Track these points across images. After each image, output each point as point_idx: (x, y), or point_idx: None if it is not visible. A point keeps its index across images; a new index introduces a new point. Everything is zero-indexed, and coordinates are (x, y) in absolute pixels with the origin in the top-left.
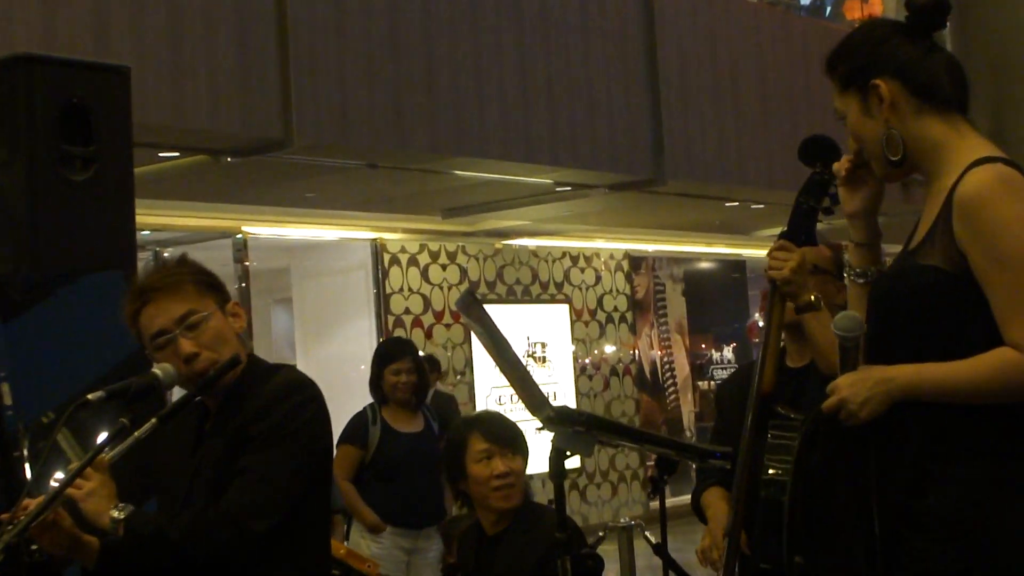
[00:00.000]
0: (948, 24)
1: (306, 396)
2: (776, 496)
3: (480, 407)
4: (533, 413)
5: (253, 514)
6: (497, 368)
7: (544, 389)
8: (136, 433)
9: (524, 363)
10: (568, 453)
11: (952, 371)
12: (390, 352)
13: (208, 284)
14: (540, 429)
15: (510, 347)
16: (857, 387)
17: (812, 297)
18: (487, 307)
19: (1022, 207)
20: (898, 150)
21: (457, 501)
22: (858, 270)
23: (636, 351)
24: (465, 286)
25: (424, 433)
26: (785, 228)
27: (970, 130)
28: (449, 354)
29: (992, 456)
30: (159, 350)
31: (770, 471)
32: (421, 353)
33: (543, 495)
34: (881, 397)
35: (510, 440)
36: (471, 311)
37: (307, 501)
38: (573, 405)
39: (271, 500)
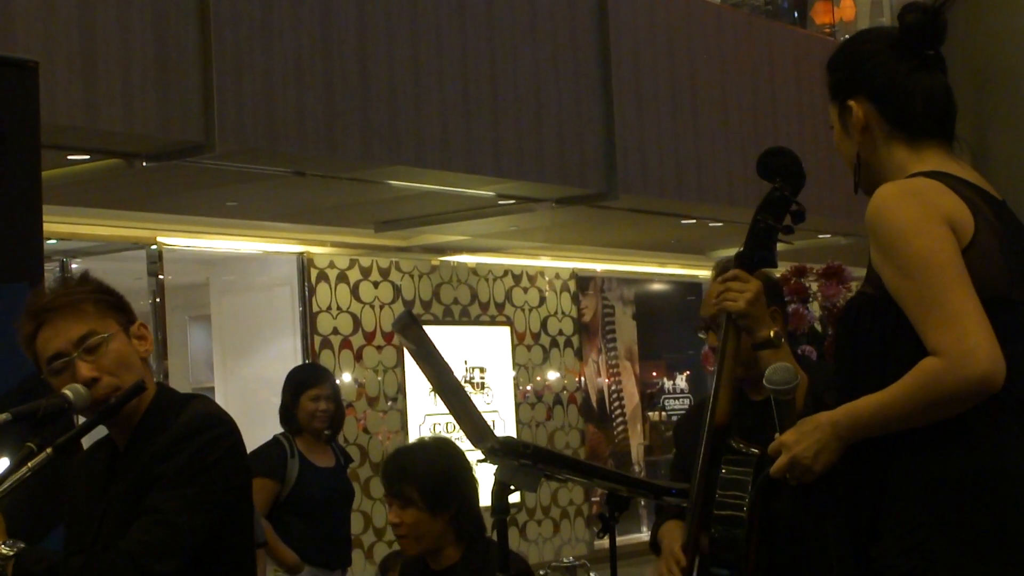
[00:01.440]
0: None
1: (218, 432)
2: (729, 531)
3: (413, 436)
4: (475, 444)
5: (154, 556)
6: (436, 394)
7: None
8: (30, 464)
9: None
10: (512, 488)
11: (886, 397)
12: (307, 378)
13: (110, 304)
14: (481, 461)
15: (451, 372)
16: (805, 441)
17: (771, 332)
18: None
19: (916, 212)
20: (858, 176)
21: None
22: None
23: (582, 378)
24: (399, 305)
25: (336, 468)
26: (741, 248)
27: (937, 155)
28: (380, 378)
29: (932, 492)
30: (56, 375)
31: (723, 506)
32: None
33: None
34: (832, 444)
35: (394, 490)
36: (409, 332)
37: (227, 541)
38: (514, 435)
39: (174, 541)
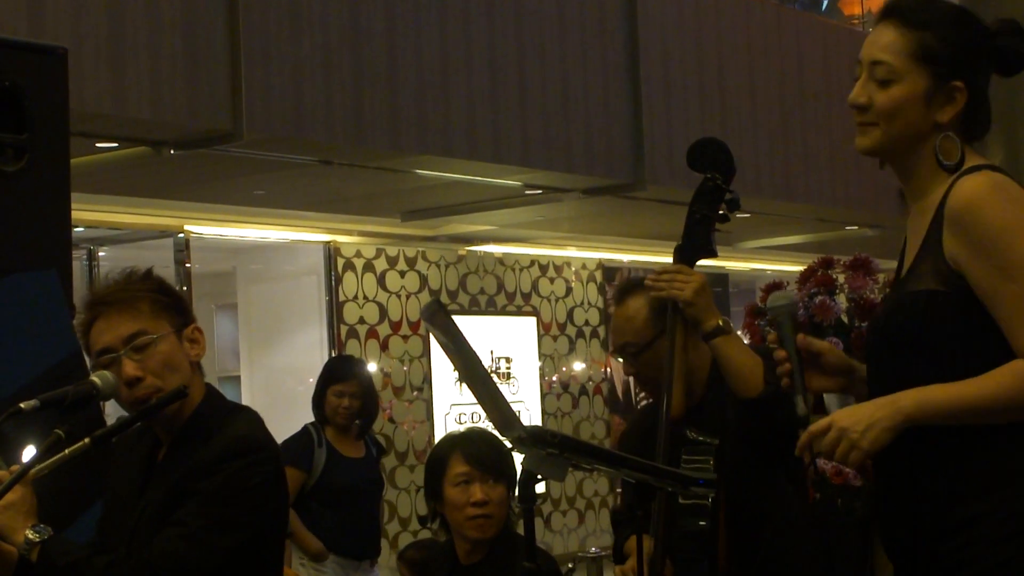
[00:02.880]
0: None
1: (259, 458)
2: (696, 522)
3: (438, 426)
4: (502, 433)
5: (173, 569)
6: (464, 383)
7: None
8: (66, 452)
9: None
10: (539, 477)
11: (963, 388)
12: (335, 371)
13: (166, 304)
14: (510, 450)
15: (479, 361)
16: (857, 414)
17: (720, 321)
18: None
19: (1019, 211)
20: (954, 156)
21: (434, 523)
22: None
23: (608, 369)
24: (425, 295)
25: (366, 459)
26: (680, 240)
27: (973, 152)
28: (406, 368)
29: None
30: (103, 369)
31: (688, 498)
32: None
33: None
34: (885, 423)
35: (492, 465)
36: (437, 320)
37: (256, 567)
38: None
39: (196, 558)
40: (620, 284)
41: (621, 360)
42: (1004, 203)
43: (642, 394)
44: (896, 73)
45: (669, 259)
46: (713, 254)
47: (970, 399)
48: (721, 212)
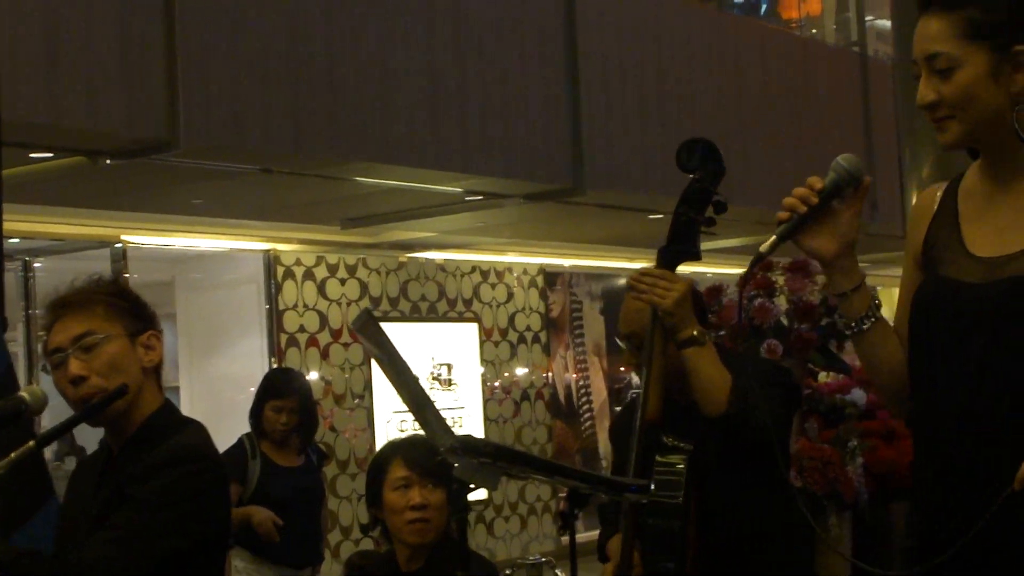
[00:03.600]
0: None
1: (198, 467)
2: (667, 523)
3: (380, 434)
4: (435, 442)
5: (100, 572)
6: (396, 393)
7: (450, 414)
8: (12, 456)
9: (429, 386)
10: (472, 486)
11: None
12: (273, 386)
13: (123, 308)
14: (440, 459)
15: (410, 371)
16: None
17: (695, 331)
18: (389, 325)
19: None
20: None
21: (375, 531)
22: (859, 319)
23: (550, 374)
24: (366, 302)
25: (305, 467)
26: (666, 243)
27: None
28: (347, 376)
29: None
30: (55, 369)
31: (659, 498)
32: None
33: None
34: None
35: (432, 470)
36: (368, 331)
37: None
38: (481, 431)
39: (124, 562)
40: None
41: (626, 348)
42: None
43: (584, 400)
44: (954, 59)
45: (610, 263)
46: (697, 257)
47: None
48: (708, 216)
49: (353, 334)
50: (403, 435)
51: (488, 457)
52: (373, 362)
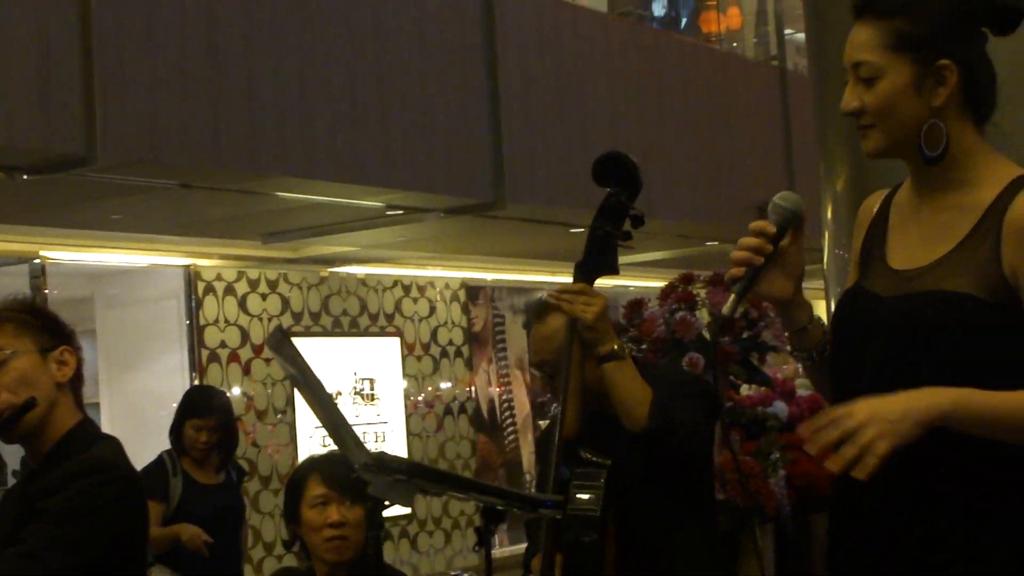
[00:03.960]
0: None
1: (107, 478)
2: (585, 536)
3: (302, 449)
4: (349, 460)
5: None
6: (311, 410)
7: (373, 429)
8: None
9: (351, 401)
10: (387, 503)
11: (1005, 399)
12: (194, 404)
13: (35, 325)
14: (355, 476)
15: (324, 388)
16: (890, 404)
17: (615, 345)
18: (311, 340)
19: None
20: (939, 144)
21: (295, 547)
22: (813, 352)
23: (473, 388)
24: (287, 317)
25: (226, 485)
26: (583, 257)
27: (996, 153)
28: (269, 391)
29: None
30: None
31: (577, 512)
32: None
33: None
34: (920, 416)
35: (350, 487)
36: (281, 349)
37: None
38: (404, 446)
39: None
40: (537, 301)
41: (539, 376)
42: None
43: (507, 414)
44: (878, 68)
45: (532, 277)
46: (615, 271)
47: (1012, 411)
48: (625, 230)
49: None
50: (323, 451)
51: (402, 474)
52: None
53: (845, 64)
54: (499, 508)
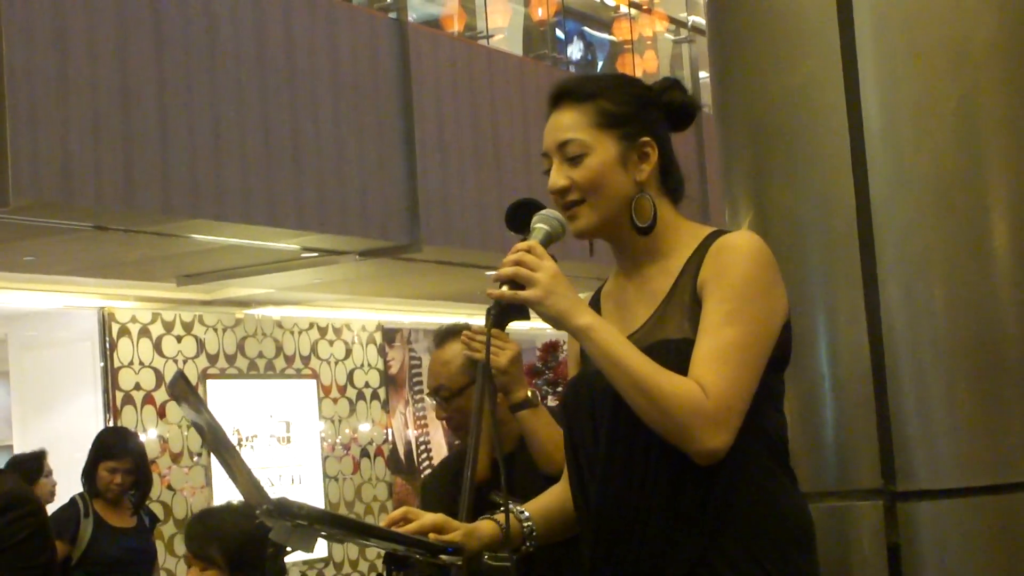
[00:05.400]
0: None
1: (22, 512)
2: None
3: (218, 492)
4: (251, 505)
5: None
6: (212, 455)
7: (289, 472)
8: None
9: (267, 444)
10: (288, 549)
11: (632, 352)
12: (107, 446)
13: None
14: (257, 522)
15: (225, 433)
16: (561, 283)
17: (528, 393)
18: (227, 382)
19: (772, 278)
20: (648, 215)
21: None
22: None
23: (390, 430)
24: (203, 359)
25: (138, 529)
26: (492, 304)
27: (686, 219)
28: (185, 433)
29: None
30: None
31: (485, 560)
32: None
33: None
34: (569, 306)
35: (197, 550)
36: (181, 394)
37: None
38: (320, 489)
39: None
40: (440, 329)
41: (435, 403)
42: (765, 265)
43: (424, 456)
44: (586, 145)
45: (448, 319)
46: (526, 316)
47: (631, 362)
48: None
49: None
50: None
51: (303, 519)
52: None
53: (547, 149)
54: (401, 554)
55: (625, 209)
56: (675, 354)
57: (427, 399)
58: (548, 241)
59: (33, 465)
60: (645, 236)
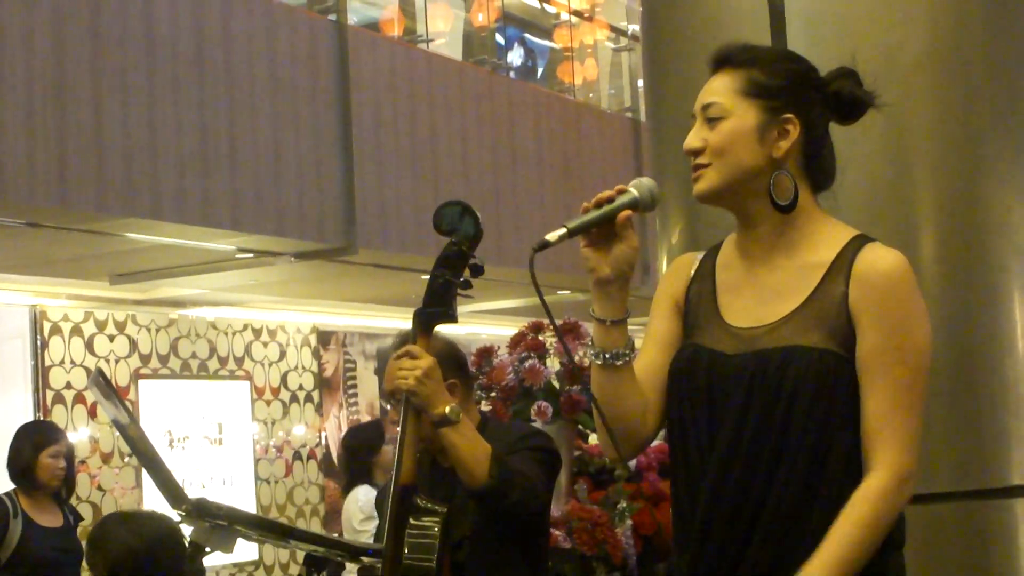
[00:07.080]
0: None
1: None
2: None
3: (148, 493)
4: (172, 505)
5: None
6: (134, 455)
7: (221, 473)
8: None
9: (199, 445)
10: (207, 549)
11: (842, 545)
12: (46, 435)
13: None
14: (179, 522)
15: (144, 435)
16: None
17: (447, 409)
18: (160, 383)
19: (922, 301)
20: (789, 194)
21: None
22: (612, 352)
23: (323, 433)
24: (135, 359)
25: (64, 528)
26: (420, 307)
27: (830, 216)
28: (116, 434)
29: None
30: None
31: (412, 561)
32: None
33: None
34: None
35: (87, 556)
36: (102, 393)
37: None
38: (252, 491)
39: None
40: (401, 333)
41: (390, 406)
42: (917, 289)
43: None
44: (725, 109)
45: (384, 323)
46: (453, 320)
47: (854, 552)
48: (464, 279)
49: (124, 391)
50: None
51: (222, 520)
52: (142, 419)
53: (694, 111)
54: (319, 555)
55: (754, 181)
56: (817, 363)
57: (380, 401)
58: (632, 207)
59: None
60: (785, 214)
